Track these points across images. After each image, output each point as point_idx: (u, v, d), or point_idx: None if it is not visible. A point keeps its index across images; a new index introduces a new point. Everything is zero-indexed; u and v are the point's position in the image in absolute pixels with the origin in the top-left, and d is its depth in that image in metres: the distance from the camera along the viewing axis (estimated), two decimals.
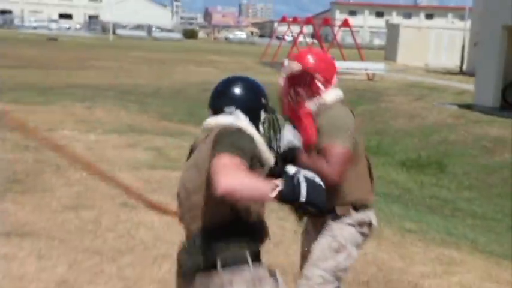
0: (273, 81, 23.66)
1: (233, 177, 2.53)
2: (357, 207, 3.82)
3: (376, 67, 29.82)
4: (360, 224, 3.85)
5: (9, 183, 7.66)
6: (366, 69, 29.37)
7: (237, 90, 3.07)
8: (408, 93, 22.05)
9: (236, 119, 2.96)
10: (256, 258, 2.85)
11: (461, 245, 6.83)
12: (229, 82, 3.13)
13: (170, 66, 31.97)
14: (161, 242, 5.95)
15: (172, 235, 6.17)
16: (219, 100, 3.07)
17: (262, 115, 3.11)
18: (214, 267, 2.77)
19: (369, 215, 3.90)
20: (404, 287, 5.26)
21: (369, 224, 3.90)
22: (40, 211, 6.68)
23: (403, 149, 14.79)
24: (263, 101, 3.12)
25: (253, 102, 3.08)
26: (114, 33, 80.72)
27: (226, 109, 3.02)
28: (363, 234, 3.88)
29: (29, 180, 7.92)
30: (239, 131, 2.88)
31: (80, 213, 6.68)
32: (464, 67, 37.14)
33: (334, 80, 3.93)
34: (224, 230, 2.82)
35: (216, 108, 3.06)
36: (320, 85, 3.83)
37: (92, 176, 8.13)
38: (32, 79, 21.82)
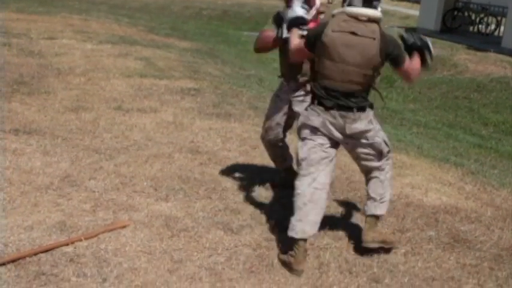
0: (247, 1, 22.69)
1: None
2: None
3: None
4: None
5: (17, 85, 7.26)
6: None
7: None
8: None
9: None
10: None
11: (409, 150, 6.71)
12: None
13: None
14: (152, 142, 5.69)
15: (161, 136, 5.93)
16: None
17: None
18: None
19: None
20: (363, 187, 5.12)
21: None
22: (44, 111, 6.34)
23: None
24: None
25: None
26: None
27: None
28: None
29: (34, 82, 7.52)
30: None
31: (80, 114, 6.35)
32: None
33: None
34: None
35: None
36: None
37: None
38: None
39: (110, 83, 7.93)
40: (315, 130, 3.73)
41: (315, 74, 3.76)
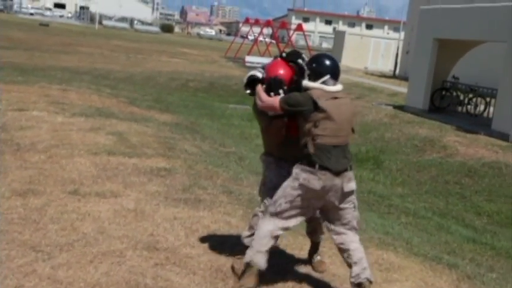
0: (234, 74, 22.47)
1: None
2: None
3: None
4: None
5: None
6: None
7: None
8: (350, 92, 21.21)
9: None
10: None
11: (397, 246, 5.98)
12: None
13: (145, 56, 30.59)
14: (104, 236, 4.92)
15: (117, 228, 5.18)
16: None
17: None
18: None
19: None
20: None
21: None
22: None
23: None
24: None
25: None
26: (100, 23, 78.46)
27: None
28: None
29: None
30: None
31: (27, 200, 5.60)
32: (397, 72, 36.60)
33: None
34: None
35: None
36: None
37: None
38: (17, 60, 20.37)
39: (72, 161, 7.23)
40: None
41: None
